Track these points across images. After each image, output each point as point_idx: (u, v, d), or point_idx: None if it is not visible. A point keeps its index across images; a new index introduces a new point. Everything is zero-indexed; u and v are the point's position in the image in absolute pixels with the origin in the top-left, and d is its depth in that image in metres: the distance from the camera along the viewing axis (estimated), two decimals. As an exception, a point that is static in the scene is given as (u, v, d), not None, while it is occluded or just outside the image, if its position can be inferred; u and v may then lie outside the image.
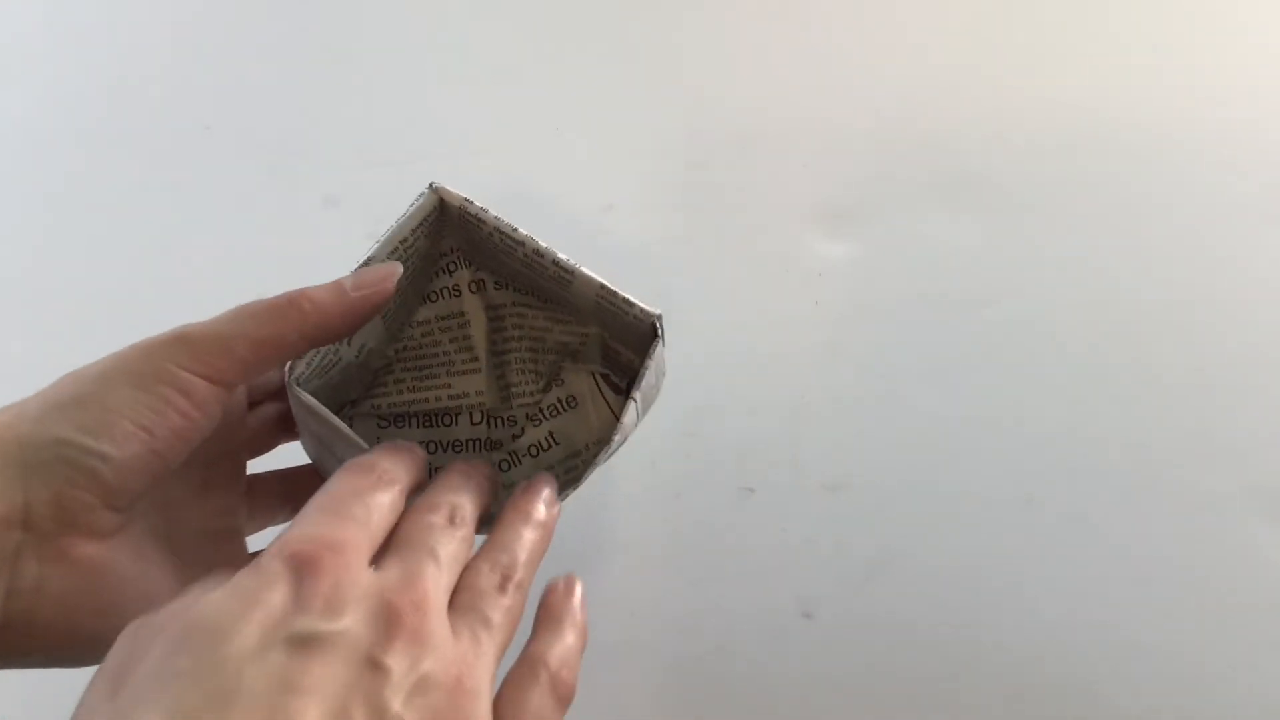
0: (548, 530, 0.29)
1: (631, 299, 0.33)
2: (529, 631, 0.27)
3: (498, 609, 0.26)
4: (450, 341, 0.38)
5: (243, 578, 0.23)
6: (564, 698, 0.26)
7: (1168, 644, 0.47)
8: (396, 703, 0.22)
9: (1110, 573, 0.48)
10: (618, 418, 0.33)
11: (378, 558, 0.25)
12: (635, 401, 0.32)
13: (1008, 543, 0.49)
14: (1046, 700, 0.47)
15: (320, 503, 0.25)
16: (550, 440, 0.38)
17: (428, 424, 0.39)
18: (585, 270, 0.33)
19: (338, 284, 0.30)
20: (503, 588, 0.26)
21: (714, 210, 0.58)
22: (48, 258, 0.59)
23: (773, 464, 0.51)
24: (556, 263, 0.33)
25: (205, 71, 0.64)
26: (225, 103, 0.63)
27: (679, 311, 0.57)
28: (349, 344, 0.34)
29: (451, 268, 0.37)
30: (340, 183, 0.59)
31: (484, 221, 0.33)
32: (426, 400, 0.38)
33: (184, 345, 0.28)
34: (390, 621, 0.23)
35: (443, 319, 0.38)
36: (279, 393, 0.36)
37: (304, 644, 0.21)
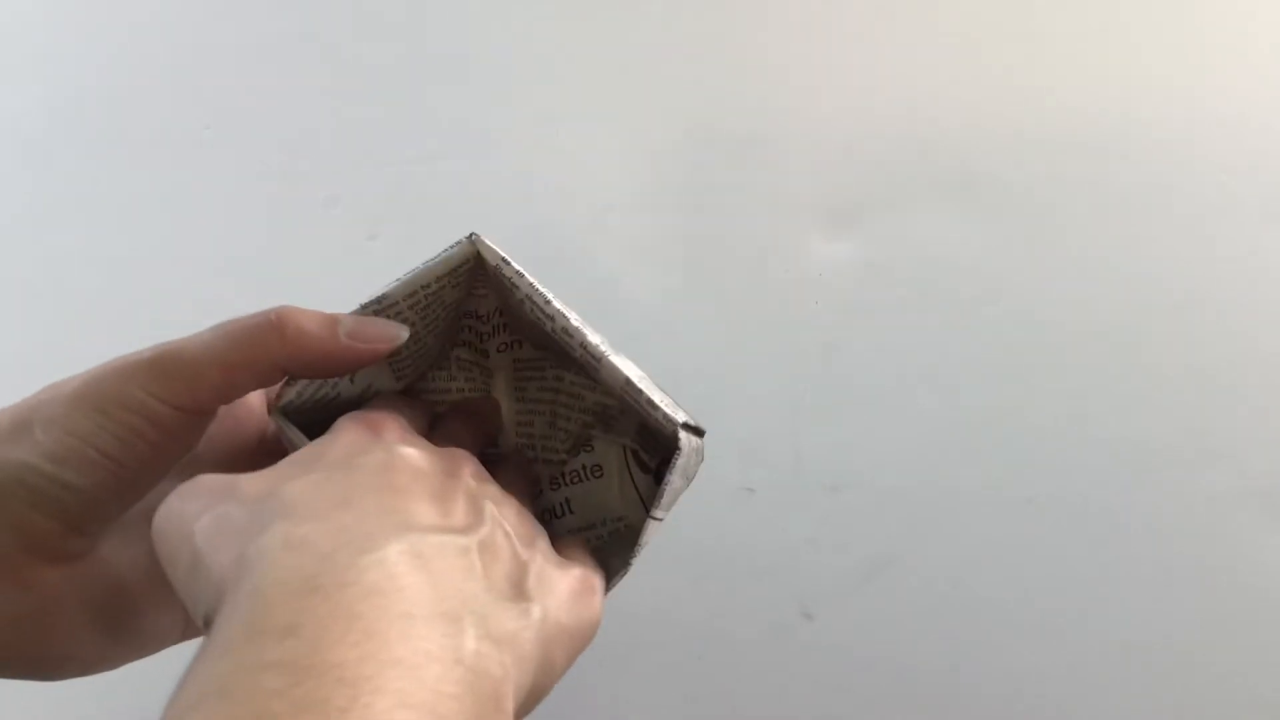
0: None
1: (656, 400, 0.29)
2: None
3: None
4: (467, 380, 0.36)
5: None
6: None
7: (1167, 643, 0.47)
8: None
9: (1110, 573, 0.48)
10: (643, 499, 0.31)
11: None
12: (657, 520, 0.29)
13: (1008, 543, 0.49)
14: (1046, 700, 0.47)
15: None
16: (565, 508, 0.36)
17: None
18: (612, 360, 0.30)
19: (331, 320, 0.28)
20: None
21: (714, 210, 0.58)
22: (48, 258, 0.59)
23: (773, 464, 0.51)
24: (585, 346, 0.30)
25: (205, 72, 0.64)
26: (226, 103, 0.63)
27: (679, 311, 0.58)
28: (351, 381, 0.31)
29: (485, 336, 0.35)
30: (340, 183, 0.59)
31: (517, 287, 0.30)
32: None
33: (156, 371, 0.27)
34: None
35: (462, 360, 0.36)
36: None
37: (393, 447, 0.26)
